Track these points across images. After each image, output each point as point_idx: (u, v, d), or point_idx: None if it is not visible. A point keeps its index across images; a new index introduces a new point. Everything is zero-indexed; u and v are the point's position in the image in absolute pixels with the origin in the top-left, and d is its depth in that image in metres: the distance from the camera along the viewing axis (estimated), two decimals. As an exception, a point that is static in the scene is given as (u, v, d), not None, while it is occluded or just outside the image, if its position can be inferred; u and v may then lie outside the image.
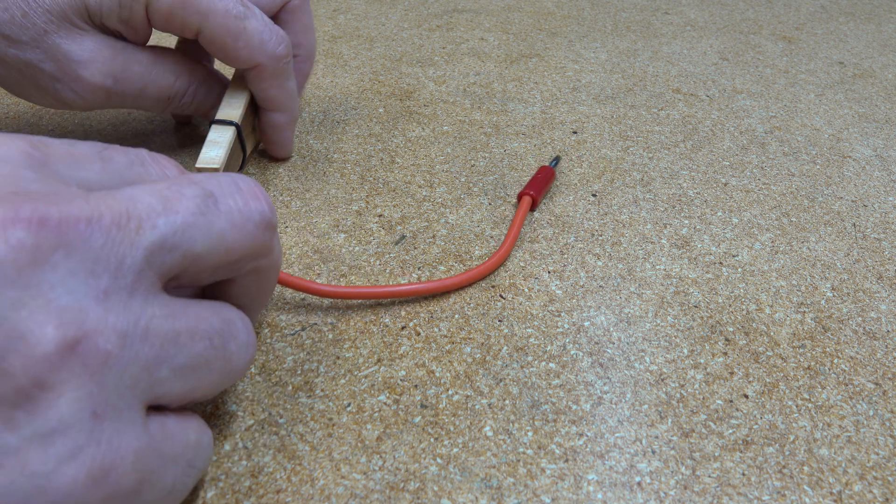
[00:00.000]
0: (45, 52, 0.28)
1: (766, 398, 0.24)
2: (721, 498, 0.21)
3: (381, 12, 0.62)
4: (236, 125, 0.32)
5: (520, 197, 0.33)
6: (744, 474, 0.22)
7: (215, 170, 0.30)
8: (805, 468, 0.22)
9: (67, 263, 0.14)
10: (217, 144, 0.31)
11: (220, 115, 0.32)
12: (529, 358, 0.25)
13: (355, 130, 0.41)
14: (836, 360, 0.26)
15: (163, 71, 0.32)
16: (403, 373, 0.25)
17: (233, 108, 0.33)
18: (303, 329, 0.26)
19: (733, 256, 0.31)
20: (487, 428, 0.23)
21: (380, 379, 0.24)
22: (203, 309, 0.18)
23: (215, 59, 0.39)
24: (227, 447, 0.22)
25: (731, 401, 0.24)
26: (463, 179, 0.36)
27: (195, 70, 0.33)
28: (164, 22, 0.30)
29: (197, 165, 0.30)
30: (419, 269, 0.30)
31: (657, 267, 0.30)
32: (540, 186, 0.34)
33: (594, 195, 0.35)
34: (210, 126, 0.32)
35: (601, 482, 0.21)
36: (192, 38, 0.31)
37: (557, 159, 0.37)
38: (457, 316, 0.27)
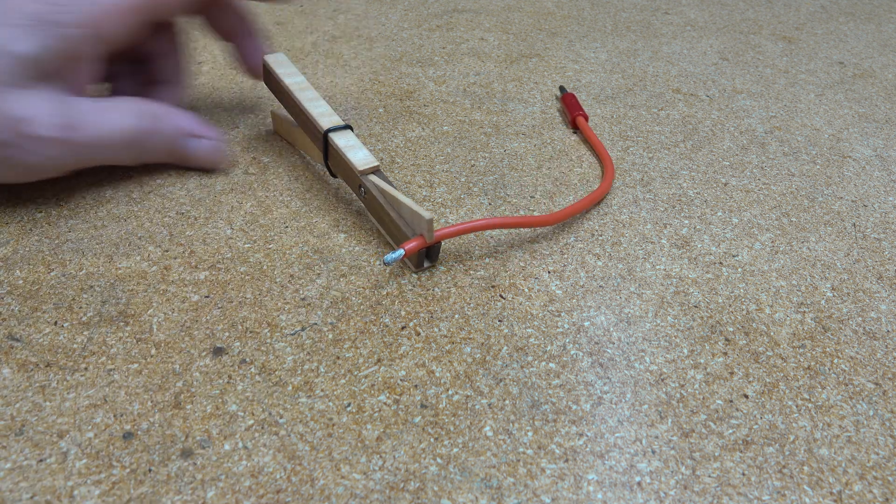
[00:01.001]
0: None
1: (766, 398, 0.24)
2: (721, 498, 0.21)
3: (381, 12, 0.62)
4: (350, 126, 0.33)
5: (574, 122, 0.41)
6: (744, 474, 0.22)
7: (376, 167, 0.31)
8: (805, 468, 0.22)
9: None
10: (355, 147, 0.32)
11: (326, 126, 0.32)
12: (529, 358, 0.25)
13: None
14: (836, 360, 0.26)
15: (117, 113, 0.31)
16: (403, 373, 0.25)
17: (329, 114, 0.33)
18: (303, 329, 0.26)
19: (733, 256, 0.31)
20: (487, 428, 0.23)
21: (380, 379, 0.24)
22: None
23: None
24: (227, 447, 0.22)
25: (731, 401, 0.24)
26: (463, 179, 0.36)
27: (153, 108, 0.32)
28: (121, 24, 0.29)
29: (360, 169, 0.30)
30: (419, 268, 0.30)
31: (657, 267, 0.30)
32: (578, 107, 0.42)
33: (594, 195, 0.35)
34: (327, 136, 0.32)
35: (601, 482, 0.21)
36: (150, 19, 0.31)
37: (563, 88, 0.45)
38: (457, 316, 0.27)
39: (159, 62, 0.36)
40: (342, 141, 0.32)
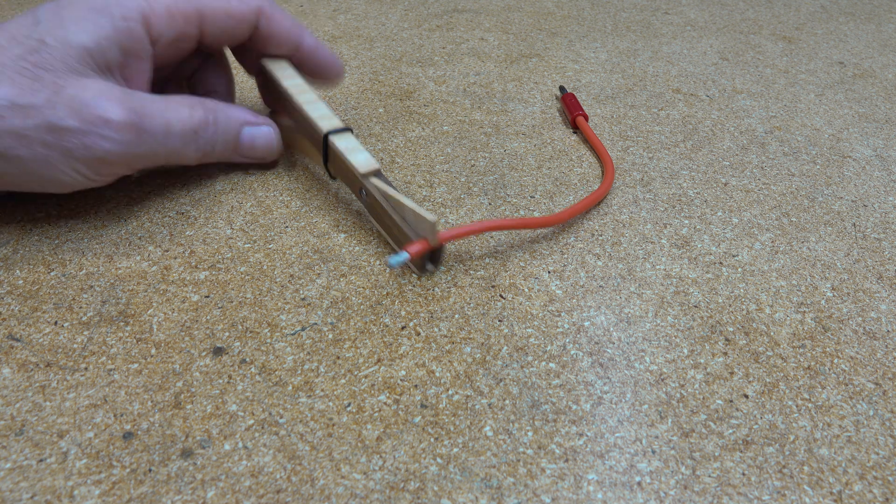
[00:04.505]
0: (64, 107, 0.27)
1: (766, 398, 0.24)
2: (721, 498, 0.21)
3: (381, 12, 0.62)
4: (350, 129, 0.33)
5: (574, 122, 0.41)
6: (744, 474, 0.22)
7: (377, 170, 0.31)
8: (805, 468, 0.22)
9: None
10: (356, 149, 0.31)
11: (326, 128, 0.32)
12: (529, 358, 0.25)
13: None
14: (836, 360, 0.26)
15: (175, 104, 0.31)
16: (403, 373, 0.25)
17: (329, 117, 0.33)
18: (303, 329, 0.26)
19: (733, 256, 0.31)
20: (487, 428, 0.23)
21: (380, 379, 0.24)
22: None
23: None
24: (227, 447, 0.22)
25: (731, 401, 0.24)
26: (463, 179, 0.36)
27: (205, 101, 0.33)
28: (168, 25, 0.30)
29: (362, 172, 0.30)
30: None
31: (657, 267, 0.30)
32: (578, 107, 0.42)
33: (594, 195, 0.35)
34: (327, 139, 0.32)
35: (601, 482, 0.21)
36: (196, 31, 0.31)
37: (563, 88, 0.45)
38: (457, 316, 0.27)
39: (208, 93, 0.37)
40: (342, 143, 0.32)
